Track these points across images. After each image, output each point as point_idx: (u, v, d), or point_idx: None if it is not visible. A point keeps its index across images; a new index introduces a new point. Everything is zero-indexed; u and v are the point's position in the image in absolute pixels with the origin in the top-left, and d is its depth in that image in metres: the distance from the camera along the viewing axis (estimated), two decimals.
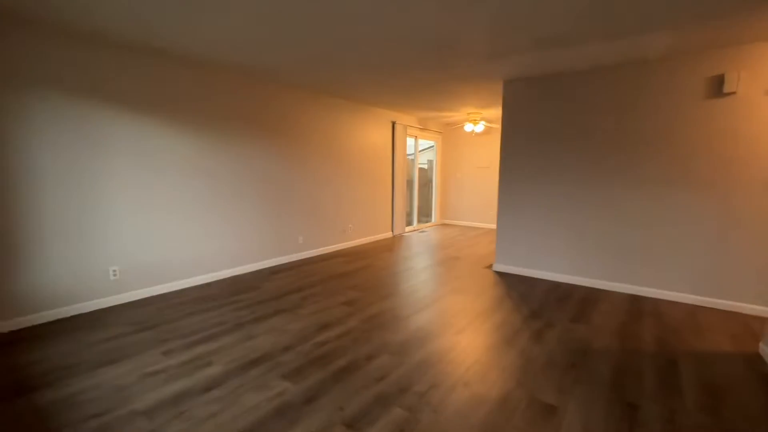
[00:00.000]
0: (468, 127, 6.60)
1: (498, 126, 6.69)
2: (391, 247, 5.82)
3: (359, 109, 5.72)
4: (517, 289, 3.76)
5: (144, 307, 3.19)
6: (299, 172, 4.83)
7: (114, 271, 3.22)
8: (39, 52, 2.72)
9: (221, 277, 4.03)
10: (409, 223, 7.61)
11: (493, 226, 7.69)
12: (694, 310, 3.24)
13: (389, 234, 6.68)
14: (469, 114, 6.48)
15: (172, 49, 3.21)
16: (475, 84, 4.38)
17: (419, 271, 4.43)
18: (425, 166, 8.55)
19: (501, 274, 4.31)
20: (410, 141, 7.30)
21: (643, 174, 3.53)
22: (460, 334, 2.72)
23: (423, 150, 8.30)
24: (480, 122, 6.50)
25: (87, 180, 3.02)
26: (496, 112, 6.27)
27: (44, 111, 2.77)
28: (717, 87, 3.16)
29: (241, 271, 4.24)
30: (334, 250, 5.48)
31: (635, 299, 3.51)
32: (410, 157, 7.53)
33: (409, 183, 7.56)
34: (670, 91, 3.35)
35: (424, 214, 8.38)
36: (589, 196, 3.82)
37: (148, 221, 3.40)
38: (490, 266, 4.65)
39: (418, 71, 3.84)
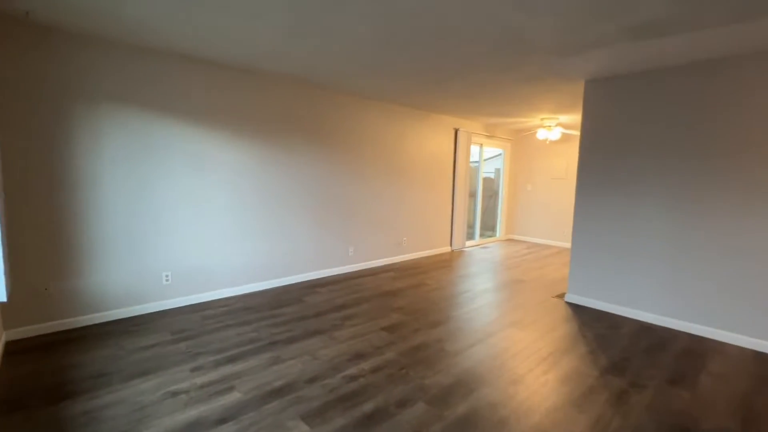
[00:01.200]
0: (541, 134, 5.92)
1: (576, 133, 5.91)
2: (448, 263, 5.39)
3: (419, 115, 5.42)
4: (595, 329, 3.12)
5: (190, 313, 3.22)
6: (353, 181, 4.67)
7: (167, 275, 3.31)
8: (114, 65, 2.88)
9: (268, 287, 3.99)
10: (471, 237, 7.08)
11: (567, 245, 6.82)
12: None
13: (447, 249, 6.24)
14: (542, 119, 5.80)
15: (222, 59, 3.23)
16: (549, 85, 3.82)
17: (476, 294, 3.96)
18: (491, 176, 7.93)
19: (574, 307, 3.66)
20: (475, 149, 6.80)
21: (756, 199, 2.70)
22: (516, 385, 2.25)
23: (489, 158, 7.71)
24: (555, 128, 5.78)
25: (146, 187, 3.13)
26: (574, 118, 5.53)
27: (112, 122, 2.92)
28: None
29: (288, 281, 4.17)
30: (386, 263, 5.22)
31: (762, 358, 2.67)
32: (474, 165, 7.02)
33: (473, 194, 7.04)
34: None
35: (488, 228, 7.76)
36: (694, 219, 3.05)
37: (200, 228, 3.46)
38: (561, 296, 4.00)
39: (482, 73, 3.43)
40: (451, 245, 6.29)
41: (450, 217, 6.21)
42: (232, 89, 3.54)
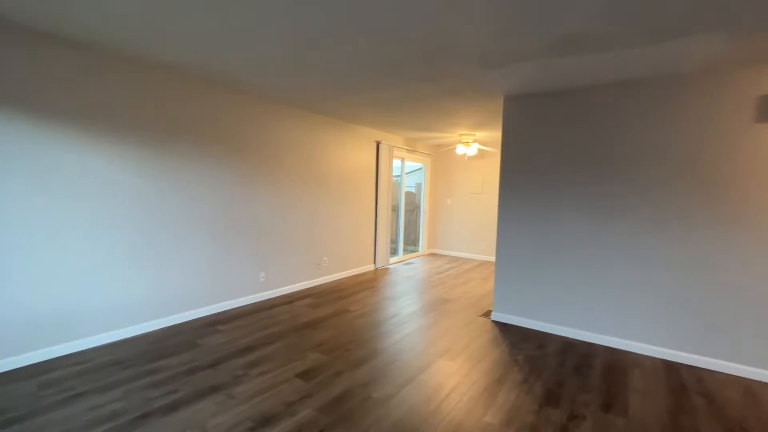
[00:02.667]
0: (460, 149, 5.99)
1: (492, 149, 6.11)
2: (372, 284, 5.03)
3: (340, 126, 5.05)
4: (524, 351, 3.01)
5: (21, 381, 2.32)
6: (267, 197, 4.08)
7: None
8: None
9: (153, 329, 3.18)
10: (394, 253, 6.86)
11: (486, 258, 7.01)
12: (747, 386, 2.54)
13: (371, 267, 5.90)
14: (461, 135, 5.87)
15: (82, 35, 2.49)
16: (469, 100, 3.76)
17: (403, 320, 3.65)
18: (413, 190, 7.89)
19: (501, 327, 3.56)
20: (397, 163, 6.65)
21: (676, 211, 2.89)
22: None
23: (410, 172, 7.66)
24: (473, 144, 5.90)
25: None
26: (490, 135, 5.69)
27: None
28: None
29: (181, 319, 3.39)
30: (305, 288, 4.67)
31: (670, 368, 2.79)
32: (396, 179, 6.86)
33: (395, 208, 6.86)
34: (709, 112, 2.76)
35: (411, 243, 7.65)
36: (607, 234, 3.15)
37: (49, 260, 2.57)
38: (487, 314, 3.90)
39: (406, 82, 3.19)
40: (375, 263, 5.97)
41: (373, 234, 5.90)
42: (102, 81, 2.76)
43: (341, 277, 5.27)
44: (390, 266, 6.23)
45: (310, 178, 4.65)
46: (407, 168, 7.09)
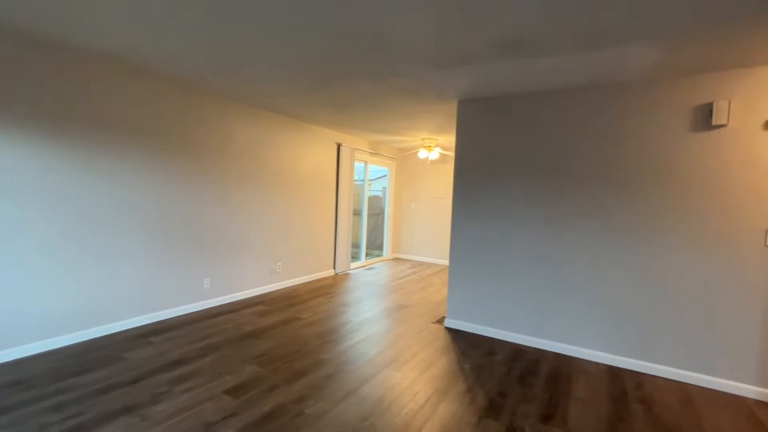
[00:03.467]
0: (422, 153, 5.95)
1: (451, 154, 6.11)
2: (329, 289, 4.87)
3: (297, 126, 4.88)
4: (472, 358, 2.95)
5: None
6: (215, 199, 3.85)
7: None
8: None
9: (71, 343, 2.89)
10: (356, 257, 6.72)
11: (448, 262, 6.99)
12: (684, 390, 2.57)
13: (331, 272, 5.73)
14: (423, 139, 5.84)
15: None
16: (425, 103, 3.70)
17: (355, 327, 3.51)
18: (379, 194, 7.80)
19: (454, 333, 3.49)
20: (360, 166, 6.54)
21: (622, 218, 2.92)
22: None
23: (377, 179, 7.56)
24: (435, 149, 5.87)
25: None
26: (451, 139, 5.68)
27: None
28: (705, 118, 2.64)
29: (107, 331, 3.10)
30: (256, 295, 4.45)
31: (614, 374, 2.80)
32: (359, 183, 6.74)
33: (358, 212, 6.73)
34: (650, 121, 2.81)
35: (376, 247, 7.54)
36: (557, 240, 3.16)
37: None
38: (441, 320, 3.83)
39: (355, 80, 3.08)
40: (335, 268, 5.80)
41: (333, 238, 5.74)
42: (13, 71, 2.48)
43: (297, 282, 5.07)
44: (351, 271, 6.08)
45: (264, 179, 4.45)
46: (373, 172, 6.99)
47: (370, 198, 7.13)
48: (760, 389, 2.51)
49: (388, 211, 7.38)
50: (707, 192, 2.64)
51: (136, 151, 3.20)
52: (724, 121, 2.56)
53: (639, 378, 2.74)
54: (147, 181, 3.29)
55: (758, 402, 2.47)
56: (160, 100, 3.35)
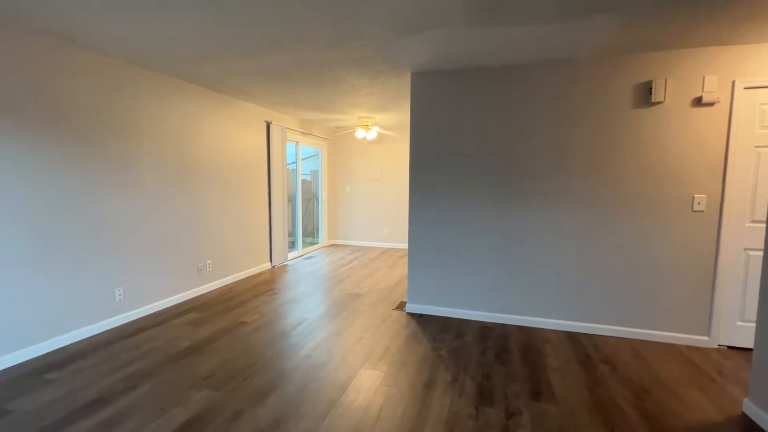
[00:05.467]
0: (360, 133, 5.65)
1: (393, 134, 5.92)
2: (270, 285, 4.38)
3: (222, 100, 4.17)
4: (445, 343, 2.86)
5: None
6: (123, 191, 3.06)
7: None
8: None
9: None
10: (293, 247, 6.23)
11: (390, 245, 6.91)
12: (631, 346, 2.83)
13: (267, 265, 5.19)
14: (360, 118, 5.53)
15: None
16: (374, 75, 3.40)
17: (312, 326, 3.17)
18: (309, 177, 7.29)
19: (417, 318, 3.38)
20: (291, 147, 5.97)
21: (568, 194, 3.05)
22: None
23: (306, 158, 7.03)
24: (373, 128, 5.61)
25: None
26: (391, 117, 5.48)
27: None
28: (645, 95, 2.84)
29: None
30: (184, 300, 3.77)
31: (572, 338, 2.97)
32: (291, 167, 6.18)
33: (291, 198, 6.19)
34: (597, 98, 2.94)
35: (309, 234, 7.09)
36: (514, 215, 3.19)
37: None
38: (401, 306, 3.69)
39: (305, 43, 2.64)
40: (271, 261, 5.27)
41: (268, 228, 5.18)
42: None
43: (232, 281, 4.46)
44: (289, 263, 5.60)
45: (184, 164, 3.72)
46: (303, 153, 6.46)
47: (302, 182, 6.61)
48: (689, 336, 2.87)
49: (322, 195, 6.95)
50: (646, 164, 2.87)
51: (14, 135, 2.33)
52: (661, 98, 2.77)
53: (594, 340, 2.94)
54: (28, 168, 2.44)
55: (688, 347, 2.83)
56: (30, 61, 2.48)
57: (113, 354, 2.61)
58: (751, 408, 1.99)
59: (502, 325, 3.23)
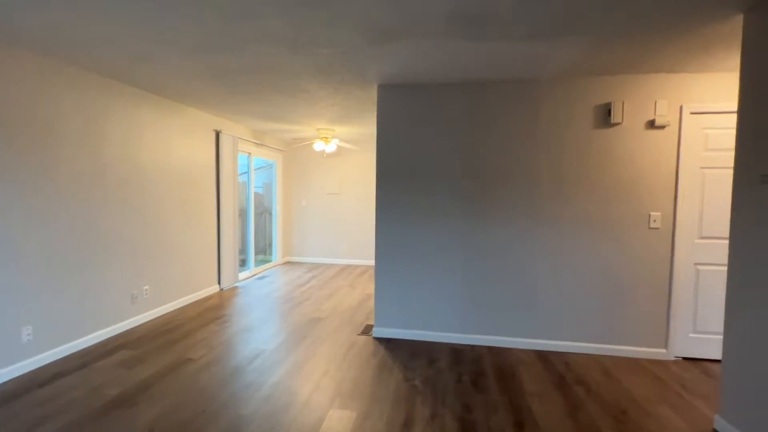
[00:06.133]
0: (318, 145, 5.40)
1: (353, 147, 5.74)
2: (219, 312, 3.93)
3: (165, 106, 3.72)
4: (419, 371, 2.68)
5: None
6: (37, 208, 2.54)
7: None
8: None
9: None
10: (243, 265, 5.75)
11: (348, 261, 6.66)
12: (599, 362, 2.85)
13: (215, 288, 4.70)
14: (319, 130, 5.29)
15: None
16: (339, 84, 3.22)
17: (270, 360, 2.83)
18: (261, 191, 6.86)
19: (386, 343, 3.17)
20: (243, 158, 5.56)
21: (534, 211, 3.06)
22: None
23: (258, 169, 6.61)
24: (333, 140, 5.40)
25: None
26: (352, 130, 5.31)
27: None
28: (604, 116, 2.93)
29: None
30: (114, 335, 3.24)
31: (543, 358, 2.93)
32: (242, 179, 5.75)
33: (242, 212, 5.74)
34: (561, 117, 2.99)
35: (262, 252, 6.63)
36: (478, 235, 3.14)
37: None
38: (367, 331, 3.46)
39: (271, 45, 2.39)
40: (220, 283, 4.78)
41: (216, 246, 4.71)
42: None
43: (174, 308, 3.95)
44: (240, 284, 5.13)
45: (119, 174, 3.23)
46: (255, 164, 6.05)
47: (255, 195, 6.18)
48: (649, 349, 2.96)
49: (276, 209, 6.55)
50: (607, 183, 2.95)
51: None
52: (619, 120, 2.88)
53: (564, 358, 2.93)
54: None
55: (649, 361, 2.91)
56: None
57: (18, 412, 2.10)
58: (721, 423, 2.02)
59: (472, 347, 3.12)
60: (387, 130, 3.24)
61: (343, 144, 5.50)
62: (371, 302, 4.32)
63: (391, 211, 3.26)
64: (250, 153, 5.60)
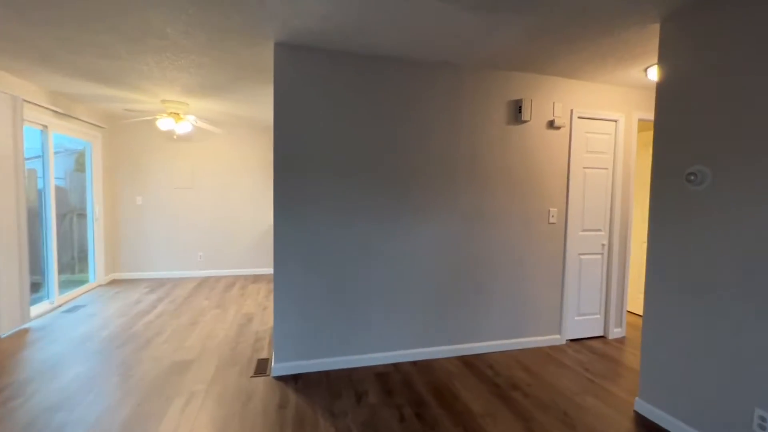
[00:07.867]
0: (164, 124, 4.05)
1: (215, 129, 4.54)
2: None
3: None
4: (349, 416, 2.09)
5: None
6: None
7: None
8: None
9: None
10: (40, 294, 3.86)
11: (206, 272, 5.35)
12: (515, 359, 2.86)
13: None
14: (165, 102, 3.95)
15: None
16: (214, 32, 2.29)
17: None
18: (64, 184, 4.81)
19: (292, 383, 2.44)
20: (34, 133, 3.70)
21: (449, 207, 2.86)
22: None
23: (60, 153, 4.60)
24: (187, 118, 4.13)
25: None
26: (219, 106, 4.17)
27: None
28: (515, 113, 2.93)
29: None
30: None
31: (467, 363, 2.76)
32: (31, 165, 3.84)
33: (34, 213, 3.83)
34: (481, 109, 2.85)
35: (69, 269, 4.67)
36: (393, 240, 2.75)
37: None
38: (263, 369, 2.62)
39: None
40: None
41: None
42: None
43: None
44: (33, 324, 3.38)
45: None
46: (56, 145, 4.14)
47: (55, 189, 4.23)
48: (548, 337, 3.14)
49: (94, 209, 4.71)
50: (515, 180, 2.97)
51: None
52: (528, 118, 2.92)
53: (486, 360, 2.82)
54: None
55: (550, 347, 3.08)
56: None
57: None
58: (643, 405, 2.16)
59: (395, 366, 2.71)
60: (289, 105, 2.48)
61: (202, 124, 4.26)
62: (254, 325, 3.42)
63: (293, 208, 2.53)
64: (46, 126, 3.77)
